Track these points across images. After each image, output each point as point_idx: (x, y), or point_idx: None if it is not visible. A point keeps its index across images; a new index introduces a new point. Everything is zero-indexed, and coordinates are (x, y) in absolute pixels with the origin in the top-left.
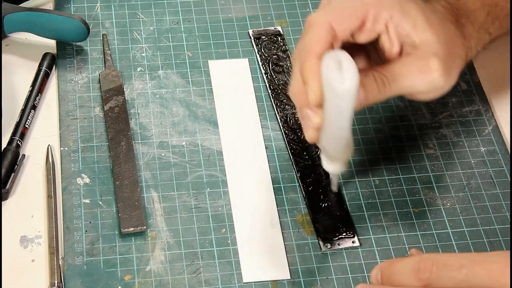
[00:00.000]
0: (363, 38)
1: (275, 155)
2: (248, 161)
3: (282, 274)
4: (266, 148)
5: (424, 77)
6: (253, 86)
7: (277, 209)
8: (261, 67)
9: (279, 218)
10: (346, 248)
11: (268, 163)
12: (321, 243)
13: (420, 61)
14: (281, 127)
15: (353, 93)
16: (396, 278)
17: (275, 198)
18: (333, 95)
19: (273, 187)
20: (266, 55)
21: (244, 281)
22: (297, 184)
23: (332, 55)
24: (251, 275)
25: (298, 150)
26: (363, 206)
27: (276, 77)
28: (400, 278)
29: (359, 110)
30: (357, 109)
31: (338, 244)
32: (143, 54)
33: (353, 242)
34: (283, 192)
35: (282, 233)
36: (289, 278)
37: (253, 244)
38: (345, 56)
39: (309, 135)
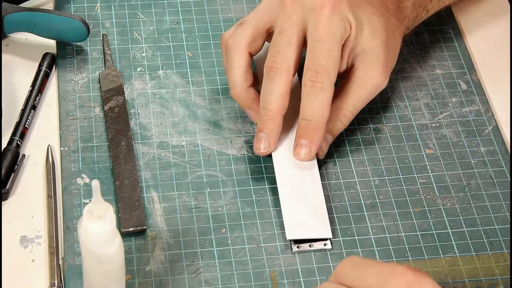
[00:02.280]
0: None
1: None
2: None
3: (324, 232)
4: None
5: (373, 88)
6: None
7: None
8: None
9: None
10: (346, 248)
11: None
12: (292, 244)
13: (367, 74)
14: None
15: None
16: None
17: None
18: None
19: None
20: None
21: (288, 238)
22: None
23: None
24: (295, 233)
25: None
26: (363, 206)
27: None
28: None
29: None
30: (324, 153)
31: (310, 246)
32: (143, 54)
33: (324, 244)
34: None
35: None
36: (331, 237)
37: (295, 200)
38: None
39: (256, 147)
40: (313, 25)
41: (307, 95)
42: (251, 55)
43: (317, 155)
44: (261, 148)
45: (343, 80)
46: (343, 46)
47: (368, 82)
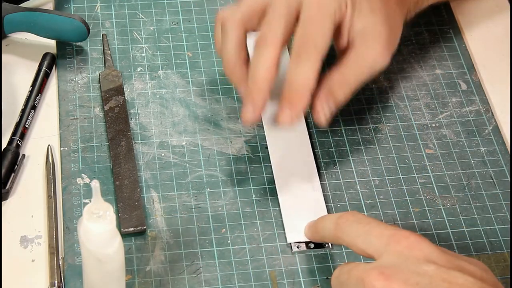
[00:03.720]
0: None
1: None
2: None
3: None
4: None
5: (374, 62)
6: None
7: (318, 173)
8: None
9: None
10: (346, 248)
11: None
12: (292, 244)
13: (368, 46)
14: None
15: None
16: (321, 224)
17: (316, 162)
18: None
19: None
20: None
21: (288, 242)
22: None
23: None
24: (296, 236)
25: None
26: (363, 206)
27: None
28: (324, 222)
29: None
30: (330, 119)
31: (310, 246)
32: (143, 54)
33: (325, 244)
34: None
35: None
36: None
37: (296, 206)
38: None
39: (243, 118)
40: (306, 2)
41: (293, 63)
42: (245, 32)
43: (319, 123)
44: (246, 118)
45: (345, 53)
46: (340, 26)
47: (370, 54)
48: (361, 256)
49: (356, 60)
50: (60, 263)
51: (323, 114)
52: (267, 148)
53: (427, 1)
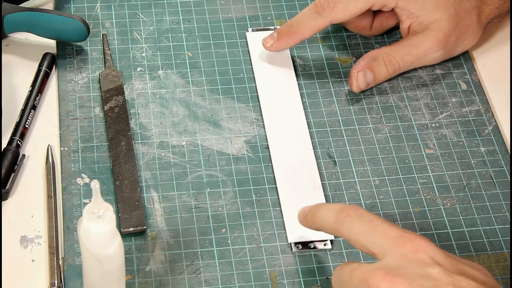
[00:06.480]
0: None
1: None
2: (288, 126)
3: (325, 234)
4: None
5: (426, 52)
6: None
7: (318, 173)
8: (252, 64)
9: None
10: (346, 249)
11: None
12: (292, 244)
13: (425, 38)
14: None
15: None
16: (320, 214)
17: (316, 162)
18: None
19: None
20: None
21: (289, 241)
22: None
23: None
24: (296, 236)
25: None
26: (363, 206)
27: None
28: (323, 213)
29: (367, 89)
30: (364, 89)
31: (310, 246)
32: (143, 54)
33: (324, 244)
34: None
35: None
36: (333, 237)
37: (297, 206)
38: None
39: (265, 40)
40: None
41: (306, 10)
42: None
43: (351, 88)
44: (268, 43)
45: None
46: (383, 8)
47: (424, 44)
48: (361, 254)
49: (408, 44)
50: (60, 263)
51: (355, 80)
52: (267, 148)
53: (508, 6)
